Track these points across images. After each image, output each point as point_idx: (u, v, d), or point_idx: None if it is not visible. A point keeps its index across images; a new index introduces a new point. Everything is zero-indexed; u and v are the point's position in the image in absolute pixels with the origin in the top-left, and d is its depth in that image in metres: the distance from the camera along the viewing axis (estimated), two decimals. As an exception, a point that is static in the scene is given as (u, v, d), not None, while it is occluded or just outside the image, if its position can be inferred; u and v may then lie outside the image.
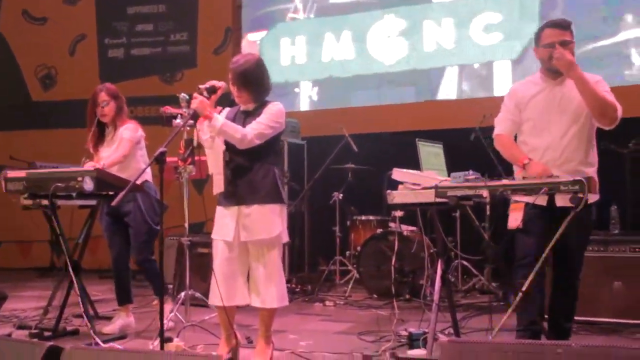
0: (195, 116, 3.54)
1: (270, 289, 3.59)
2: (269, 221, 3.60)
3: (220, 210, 3.70)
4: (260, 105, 3.70)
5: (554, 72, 3.60)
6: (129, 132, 4.64)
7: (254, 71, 3.66)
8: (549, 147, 3.54)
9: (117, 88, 4.83)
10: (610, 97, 3.49)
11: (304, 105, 8.03)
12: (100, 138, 4.74)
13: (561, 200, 3.33)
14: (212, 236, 3.73)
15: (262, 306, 3.62)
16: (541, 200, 3.34)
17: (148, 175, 4.76)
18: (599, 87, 3.49)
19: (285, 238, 3.74)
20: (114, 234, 4.73)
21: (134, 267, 4.88)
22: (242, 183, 3.59)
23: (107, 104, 4.68)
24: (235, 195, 3.60)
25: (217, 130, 3.51)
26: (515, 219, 3.23)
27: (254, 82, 3.66)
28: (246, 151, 3.58)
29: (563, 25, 3.61)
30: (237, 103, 3.76)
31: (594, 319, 4.46)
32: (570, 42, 3.56)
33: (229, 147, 3.61)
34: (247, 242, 3.61)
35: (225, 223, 3.64)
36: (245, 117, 3.64)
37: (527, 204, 3.57)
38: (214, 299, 3.68)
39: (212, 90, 3.58)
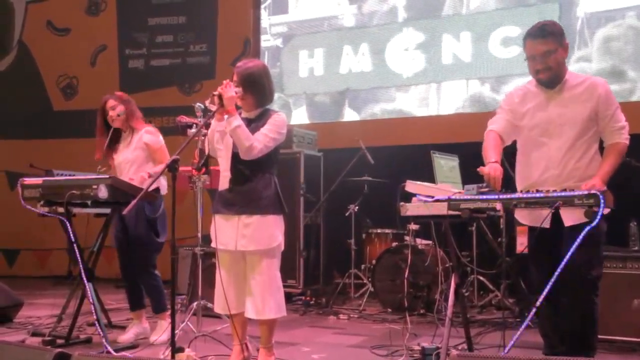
0: (208, 124, 3.54)
1: (267, 299, 3.57)
2: (269, 231, 3.59)
3: (218, 219, 3.67)
4: (263, 113, 3.70)
5: (544, 85, 3.40)
6: (152, 136, 4.60)
7: (260, 74, 3.67)
8: (549, 164, 3.37)
9: (130, 97, 4.81)
10: (622, 133, 3.30)
11: (321, 117, 8.04)
12: (115, 145, 4.74)
13: (569, 219, 3.20)
14: (214, 245, 3.70)
15: (258, 317, 3.60)
16: (545, 222, 3.18)
17: (162, 188, 4.72)
18: (608, 104, 3.29)
19: (282, 248, 3.71)
20: (122, 241, 4.67)
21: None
22: (243, 192, 3.58)
23: (116, 108, 4.66)
24: (236, 204, 3.59)
25: (231, 128, 3.49)
26: (520, 244, 3.14)
27: (260, 84, 3.65)
28: (248, 160, 3.57)
29: (543, 34, 3.31)
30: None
31: (612, 337, 4.36)
32: (554, 51, 3.30)
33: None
34: (245, 251, 3.60)
35: (226, 232, 3.62)
36: (247, 125, 3.60)
37: (530, 228, 3.46)
38: (219, 308, 3.70)
39: (221, 97, 3.52)
